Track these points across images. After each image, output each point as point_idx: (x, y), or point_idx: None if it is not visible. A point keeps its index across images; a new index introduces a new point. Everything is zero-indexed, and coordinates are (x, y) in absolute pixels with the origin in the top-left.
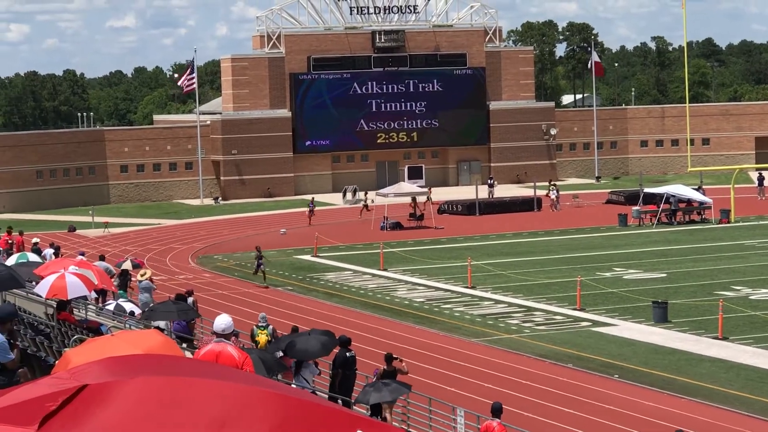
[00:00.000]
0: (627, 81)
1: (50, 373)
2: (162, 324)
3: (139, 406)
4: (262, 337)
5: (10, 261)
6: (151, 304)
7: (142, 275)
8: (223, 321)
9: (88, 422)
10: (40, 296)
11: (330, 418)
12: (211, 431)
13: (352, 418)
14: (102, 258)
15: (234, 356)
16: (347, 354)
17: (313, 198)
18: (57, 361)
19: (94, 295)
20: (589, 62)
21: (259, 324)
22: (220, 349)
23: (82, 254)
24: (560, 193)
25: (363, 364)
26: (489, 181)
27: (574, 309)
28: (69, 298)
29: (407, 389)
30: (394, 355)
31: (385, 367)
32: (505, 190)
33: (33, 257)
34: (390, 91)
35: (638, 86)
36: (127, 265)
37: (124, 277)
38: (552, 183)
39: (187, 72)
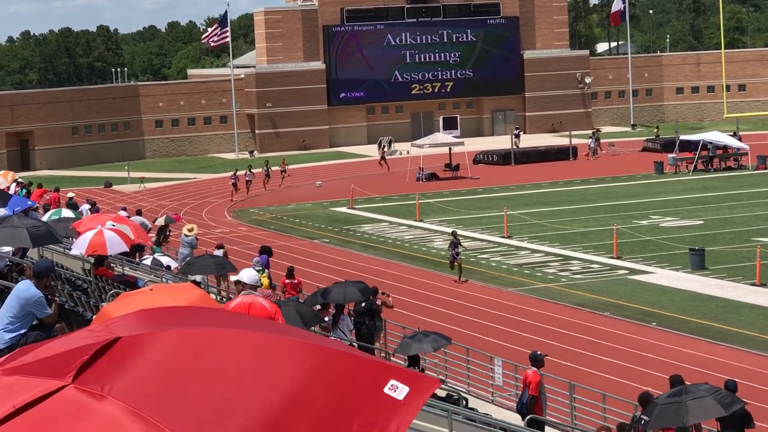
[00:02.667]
0: (662, 28)
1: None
2: (199, 278)
3: (172, 357)
4: (264, 280)
5: (46, 217)
6: (188, 258)
7: (189, 230)
8: (251, 273)
9: (123, 374)
10: (80, 253)
11: (364, 368)
12: (245, 381)
13: (387, 367)
14: (139, 213)
15: (266, 306)
16: (370, 304)
17: (284, 158)
18: (94, 316)
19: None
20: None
21: (256, 268)
22: (251, 300)
23: (124, 209)
24: (600, 141)
25: (403, 315)
26: (515, 131)
27: (611, 257)
28: (108, 254)
29: (447, 341)
30: (381, 291)
31: (370, 296)
32: (540, 139)
33: (68, 213)
34: (424, 41)
35: (673, 33)
36: (160, 221)
37: (161, 232)
38: (595, 131)
39: (215, 27)
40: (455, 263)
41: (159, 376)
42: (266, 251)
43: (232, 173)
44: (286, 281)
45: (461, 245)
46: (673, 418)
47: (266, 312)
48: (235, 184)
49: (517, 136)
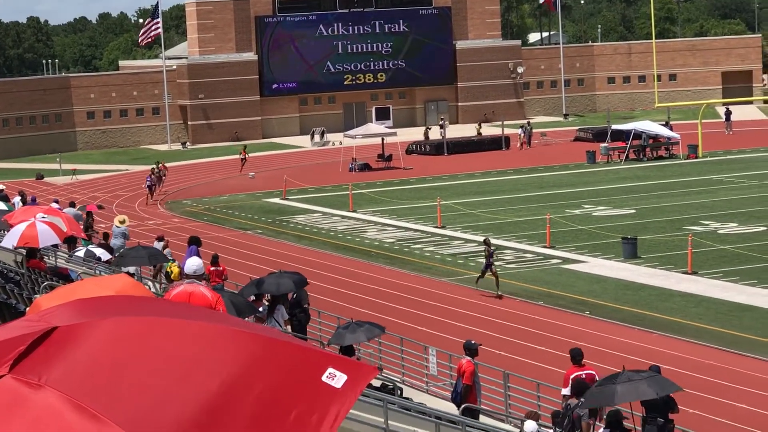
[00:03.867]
0: (593, 18)
1: None
2: (132, 269)
3: (110, 347)
4: (175, 269)
5: None
6: (122, 250)
7: (121, 222)
8: (194, 263)
9: (60, 363)
10: (11, 245)
11: (302, 356)
12: (183, 369)
13: (325, 356)
14: (72, 205)
15: (207, 296)
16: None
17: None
18: (28, 308)
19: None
20: None
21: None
22: (192, 289)
23: (56, 201)
24: (532, 131)
25: (336, 306)
26: (440, 121)
27: (544, 246)
28: (40, 246)
29: (381, 330)
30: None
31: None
32: (471, 130)
33: (0, 205)
34: (356, 32)
35: (604, 23)
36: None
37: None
38: (527, 123)
39: (147, 22)
40: (489, 274)
41: (97, 366)
42: (195, 242)
43: (148, 175)
44: (212, 268)
45: (494, 255)
46: (604, 398)
47: (207, 301)
48: (150, 187)
49: (442, 126)
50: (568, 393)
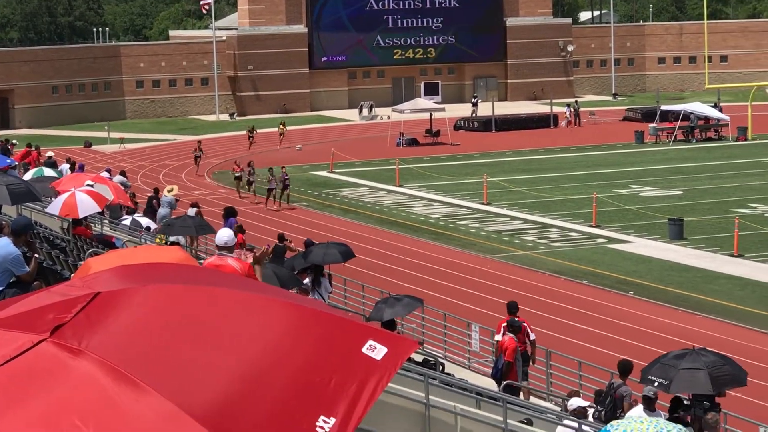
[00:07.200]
0: None
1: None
2: (176, 238)
3: (152, 314)
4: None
5: (27, 176)
6: (166, 219)
7: (169, 191)
8: (224, 234)
9: (101, 329)
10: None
11: (343, 328)
12: (224, 339)
13: (365, 328)
14: (123, 174)
15: (235, 268)
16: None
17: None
18: (77, 269)
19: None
20: None
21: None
22: (221, 262)
23: (108, 170)
24: (580, 109)
25: (380, 280)
26: (473, 99)
27: (590, 226)
28: (80, 216)
29: (419, 303)
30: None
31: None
32: (521, 107)
33: (50, 172)
34: (406, 6)
35: (656, 3)
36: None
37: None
38: (574, 101)
39: None
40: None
41: (137, 332)
42: (231, 213)
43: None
44: None
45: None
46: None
47: (235, 273)
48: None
49: (475, 104)
50: (500, 338)
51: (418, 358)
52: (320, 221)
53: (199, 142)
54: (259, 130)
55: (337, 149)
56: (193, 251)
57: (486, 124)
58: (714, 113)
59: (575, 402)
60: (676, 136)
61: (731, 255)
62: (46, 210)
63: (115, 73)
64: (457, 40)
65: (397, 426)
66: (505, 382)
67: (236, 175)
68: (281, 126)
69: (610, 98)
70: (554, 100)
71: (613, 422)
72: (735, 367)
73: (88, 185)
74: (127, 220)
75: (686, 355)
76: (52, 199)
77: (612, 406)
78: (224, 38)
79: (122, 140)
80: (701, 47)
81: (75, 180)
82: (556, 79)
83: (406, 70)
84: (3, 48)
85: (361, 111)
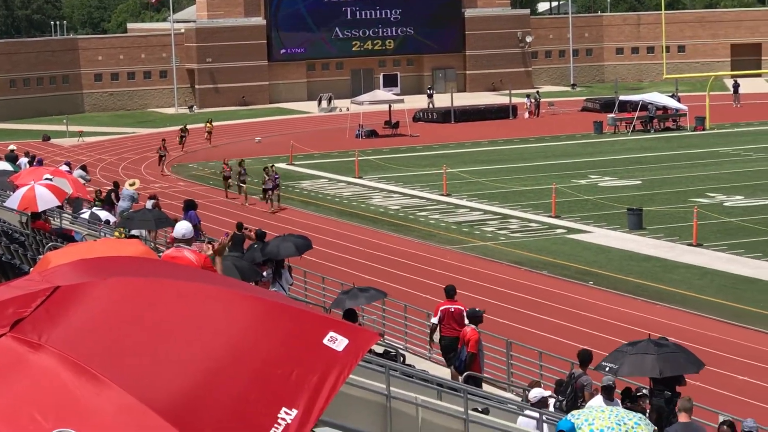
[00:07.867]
0: None
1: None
2: (136, 232)
3: (112, 307)
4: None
5: None
6: (126, 213)
7: (131, 184)
8: (182, 227)
9: (60, 323)
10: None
11: (303, 320)
12: (185, 331)
13: (326, 320)
14: (83, 168)
15: (191, 260)
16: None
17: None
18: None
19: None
20: None
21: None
22: (177, 254)
23: (68, 164)
24: (541, 100)
25: (340, 272)
26: (428, 90)
27: (549, 216)
28: (39, 210)
29: (383, 295)
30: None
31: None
32: (480, 98)
33: (6, 166)
34: None
35: None
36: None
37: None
38: (535, 92)
39: None
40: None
41: (98, 326)
42: (191, 205)
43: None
44: None
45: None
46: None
47: (192, 265)
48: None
49: (430, 96)
50: (436, 321)
51: (379, 349)
52: (280, 213)
53: (164, 140)
54: (216, 123)
55: (296, 141)
56: (154, 244)
57: (445, 116)
58: (672, 103)
59: (537, 393)
60: (634, 126)
61: (690, 244)
62: (4, 204)
63: (74, 66)
64: (415, 32)
65: (359, 417)
66: (466, 373)
67: (225, 174)
68: (208, 123)
69: (568, 89)
70: (513, 91)
71: (574, 412)
72: (690, 356)
73: (47, 179)
74: (85, 214)
75: (639, 343)
76: (11, 193)
77: (573, 395)
78: (182, 31)
79: (81, 134)
80: (659, 37)
81: (34, 174)
82: (514, 70)
83: (365, 61)
84: None
85: (320, 103)
